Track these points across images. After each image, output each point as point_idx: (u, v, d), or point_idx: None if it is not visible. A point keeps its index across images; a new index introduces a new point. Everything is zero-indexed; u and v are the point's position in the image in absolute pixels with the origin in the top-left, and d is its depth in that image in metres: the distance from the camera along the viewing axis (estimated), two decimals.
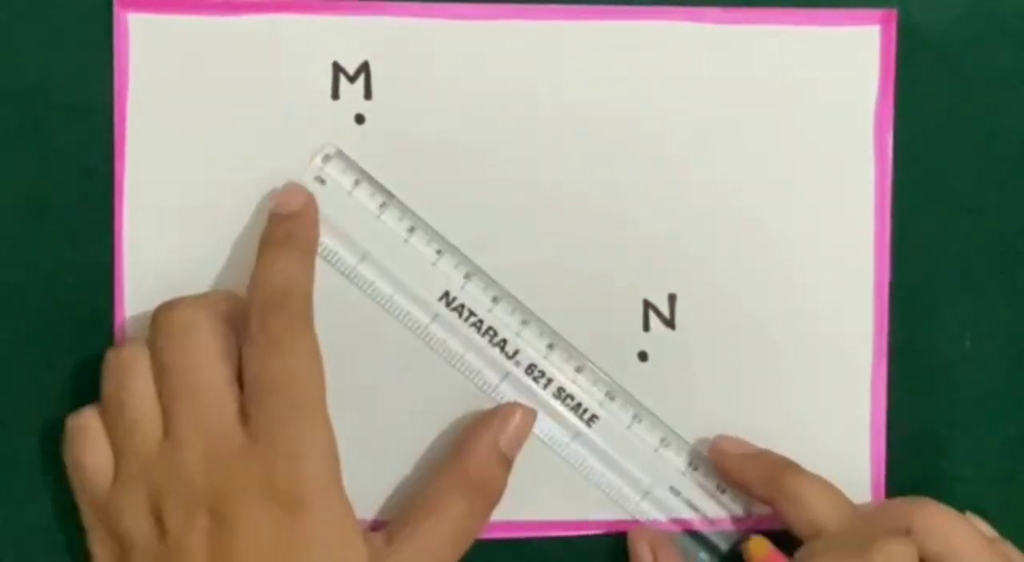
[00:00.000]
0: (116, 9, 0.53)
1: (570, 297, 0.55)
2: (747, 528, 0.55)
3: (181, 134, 0.53)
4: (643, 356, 0.55)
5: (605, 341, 0.55)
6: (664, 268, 0.55)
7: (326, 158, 0.54)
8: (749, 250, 0.55)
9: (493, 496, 0.53)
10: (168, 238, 0.53)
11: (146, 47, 0.53)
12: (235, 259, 0.53)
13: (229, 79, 0.53)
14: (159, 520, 0.49)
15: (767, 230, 0.55)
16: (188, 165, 0.53)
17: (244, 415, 0.50)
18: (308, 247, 0.53)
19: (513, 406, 0.54)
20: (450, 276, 0.54)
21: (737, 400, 0.55)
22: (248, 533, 0.49)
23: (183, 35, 0.53)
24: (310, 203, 0.53)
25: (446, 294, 0.54)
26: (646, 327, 0.55)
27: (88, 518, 0.51)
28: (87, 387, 0.53)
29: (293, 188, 0.53)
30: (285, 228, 0.52)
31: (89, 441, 0.51)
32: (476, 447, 0.53)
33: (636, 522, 0.55)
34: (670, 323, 0.55)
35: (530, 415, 0.54)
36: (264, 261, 0.51)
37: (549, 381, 0.55)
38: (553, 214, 0.54)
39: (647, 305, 0.55)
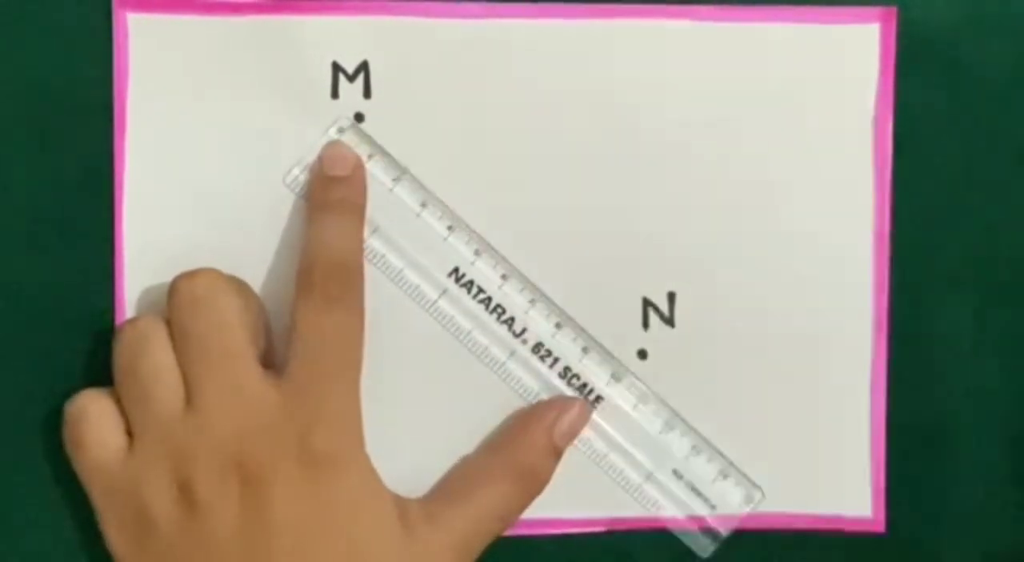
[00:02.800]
0: (116, 9, 0.53)
1: (570, 295, 0.55)
2: (749, 514, 0.55)
3: (181, 134, 0.53)
4: (642, 354, 0.55)
5: (605, 339, 0.55)
6: (663, 266, 0.55)
7: (340, 130, 0.54)
8: (749, 248, 0.55)
9: (538, 485, 0.54)
10: (168, 238, 0.53)
11: (146, 47, 0.53)
12: (236, 258, 0.53)
13: (229, 79, 0.53)
14: (185, 489, 0.49)
15: (766, 228, 0.55)
16: (188, 165, 0.53)
17: (269, 378, 0.50)
18: (361, 213, 0.53)
19: (571, 400, 0.54)
20: (460, 252, 0.54)
21: (736, 398, 0.55)
22: (283, 495, 0.49)
23: (183, 35, 0.53)
24: (359, 166, 0.54)
25: (455, 270, 0.54)
26: (645, 325, 0.55)
27: (100, 502, 0.51)
28: (88, 386, 0.53)
29: (340, 149, 0.54)
30: (338, 193, 0.53)
31: (95, 419, 0.51)
32: (530, 434, 0.54)
33: (634, 519, 0.55)
34: (669, 321, 0.55)
35: (586, 411, 0.54)
36: (321, 224, 0.52)
37: (555, 360, 0.55)
38: (552, 213, 0.55)
39: (646, 303, 0.55)
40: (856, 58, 0.55)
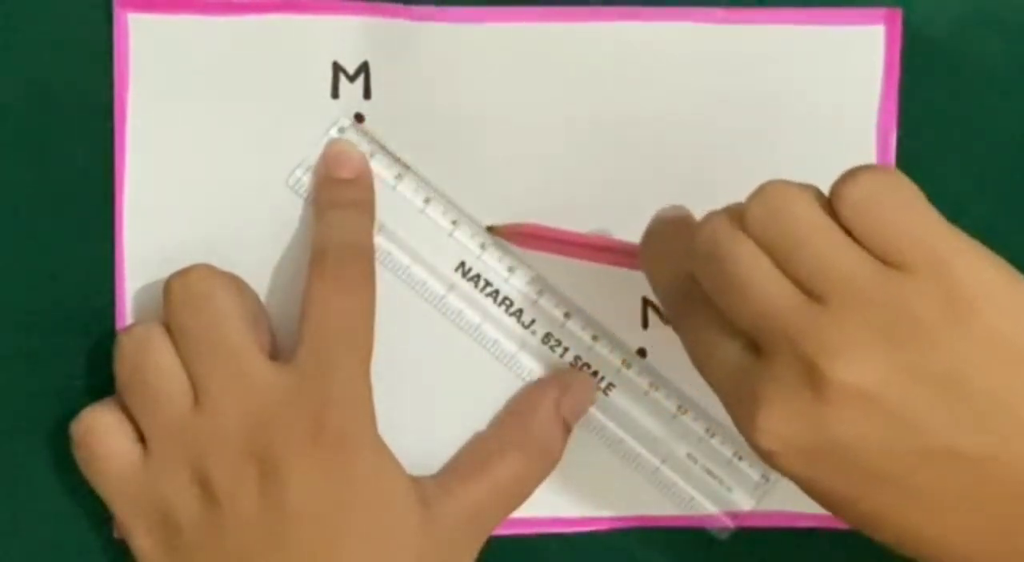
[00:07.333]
0: (116, 9, 0.53)
1: (570, 295, 0.55)
2: (754, 510, 0.56)
3: (181, 134, 0.54)
4: (642, 353, 0.55)
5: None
6: None
7: (340, 130, 0.54)
8: None
9: (551, 460, 0.54)
10: (168, 238, 0.54)
11: (146, 47, 0.53)
12: (236, 258, 0.53)
13: (229, 79, 0.53)
14: (204, 486, 0.50)
15: None
16: (188, 164, 0.54)
17: (275, 366, 0.51)
18: (370, 209, 0.54)
19: (575, 373, 0.55)
20: (466, 246, 0.55)
21: None
22: (299, 478, 0.49)
23: (183, 35, 0.53)
24: (365, 167, 0.54)
25: (462, 264, 0.55)
26: (645, 324, 0.55)
27: (122, 512, 0.51)
28: (88, 386, 0.54)
29: (344, 149, 0.54)
30: (347, 195, 0.53)
31: (103, 433, 0.51)
32: (538, 409, 0.54)
33: (637, 518, 0.56)
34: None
35: (591, 386, 0.55)
36: (331, 215, 0.53)
37: (566, 350, 0.55)
38: (551, 214, 0.55)
39: (646, 303, 0.55)
40: (861, 59, 0.55)
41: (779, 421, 0.44)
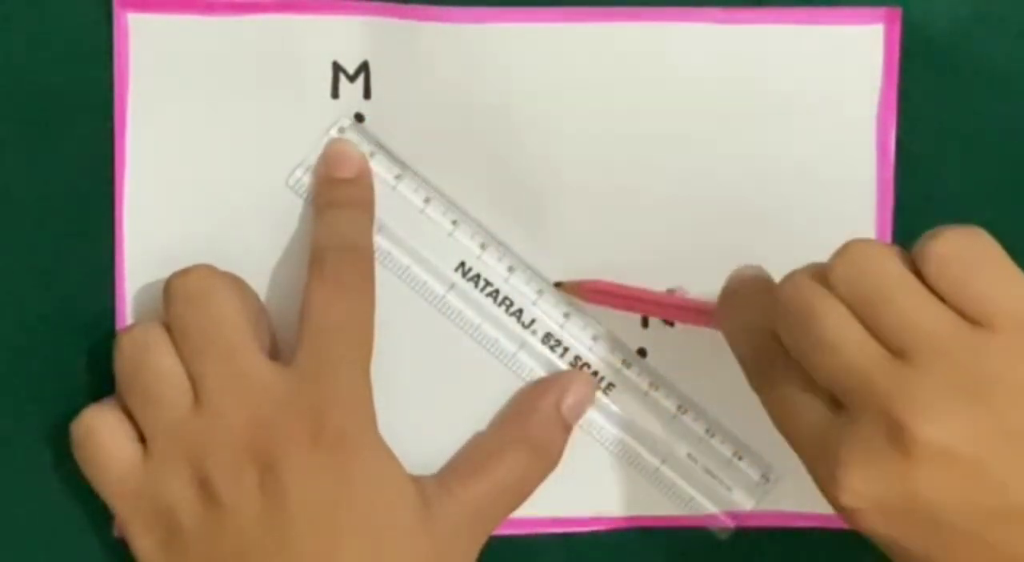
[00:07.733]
0: (116, 9, 0.53)
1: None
2: (763, 496, 0.56)
3: (181, 134, 0.54)
4: (642, 353, 0.55)
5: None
6: (663, 265, 0.55)
7: (340, 130, 0.54)
8: (749, 248, 0.55)
9: (551, 459, 0.54)
10: (168, 238, 0.54)
11: (146, 47, 0.53)
12: (236, 258, 0.53)
13: (229, 79, 0.53)
14: (204, 486, 0.50)
15: (768, 228, 0.55)
16: (188, 164, 0.54)
17: (276, 366, 0.51)
18: (370, 208, 0.54)
19: (575, 374, 0.55)
20: (466, 246, 0.55)
21: (735, 398, 0.55)
22: (300, 479, 0.49)
23: (183, 35, 0.53)
24: (365, 167, 0.54)
25: (462, 264, 0.55)
26: (645, 324, 0.55)
27: (123, 511, 0.51)
28: (88, 386, 0.54)
29: (344, 148, 0.54)
30: (346, 193, 0.53)
31: (104, 433, 0.51)
32: (538, 409, 0.54)
33: (637, 518, 0.56)
34: (669, 320, 0.55)
35: (591, 386, 0.55)
36: (331, 215, 0.53)
37: (566, 350, 0.55)
38: (551, 214, 0.55)
39: None
40: (860, 59, 0.55)
41: (863, 479, 0.45)
